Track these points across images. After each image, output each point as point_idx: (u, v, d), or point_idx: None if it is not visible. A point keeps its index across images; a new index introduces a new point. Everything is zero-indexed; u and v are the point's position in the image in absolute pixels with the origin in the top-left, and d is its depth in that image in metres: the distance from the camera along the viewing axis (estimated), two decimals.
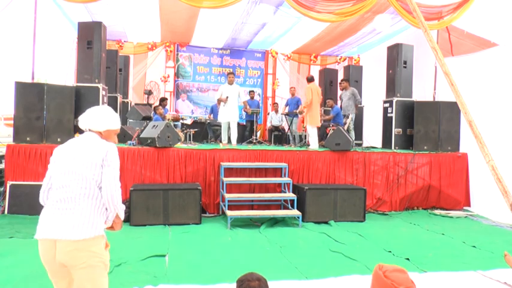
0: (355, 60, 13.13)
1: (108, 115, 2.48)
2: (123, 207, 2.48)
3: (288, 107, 10.96)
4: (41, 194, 2.50)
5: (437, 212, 7.65)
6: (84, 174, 2.29)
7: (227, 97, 8.47)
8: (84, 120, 2.46)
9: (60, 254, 2.22)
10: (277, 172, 7.32)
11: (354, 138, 9.18)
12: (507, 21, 7.59)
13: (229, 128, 8.76)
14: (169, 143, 6.99)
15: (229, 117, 8.61)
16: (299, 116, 8.28)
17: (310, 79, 8.47)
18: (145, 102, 11.13)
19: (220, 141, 9.28)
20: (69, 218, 2.23)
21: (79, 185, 2.28)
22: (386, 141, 8.95)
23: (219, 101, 8.64)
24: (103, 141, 2.41)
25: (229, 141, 8.79)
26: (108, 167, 2.33)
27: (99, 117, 2.45)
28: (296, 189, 6.95)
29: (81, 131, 2.54)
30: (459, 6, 7.82)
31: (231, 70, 9.08)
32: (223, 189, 6.73)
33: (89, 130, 2.46)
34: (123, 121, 9.86)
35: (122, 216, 2.50)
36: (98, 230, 2.28)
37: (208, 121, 10.65)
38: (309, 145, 8.34)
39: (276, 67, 13.18)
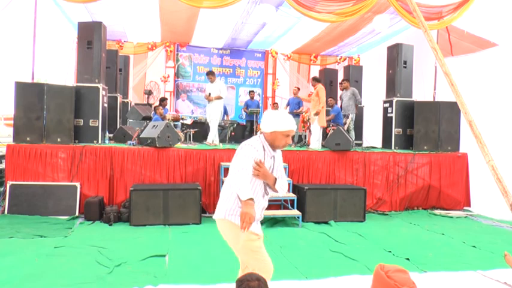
0: (355, 60, 13.13)
1: (274, 117, 2.58)
2: (243, 188, 2.39)
3: (289, 106, 10.95)
4: None
5: (437, 212, 7.65)
6: (230, 167, 2.63)
7: (209, 94, 8.33)
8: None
9: None
10: None
11: (354, 138, 9.18)
12: (507, 21, 7.59)
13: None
14: (169, 143, 6.99)
15: (210, 116, 8.39)
16: (316, 116, 8.19)
17: (319, 80, 8.52)
18: (145, 102, 11.13)
19: (220, 142, 9.26)
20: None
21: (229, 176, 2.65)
22: (386, 141, 8.95)
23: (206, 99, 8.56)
24: (249, 140, 2.61)
25: (201, 140, 8.58)
26: (235, 157, 2.59)
27: (266, 119, 2.61)
28: (296, 189, 6.95)
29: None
30: (459, 6, 7.82)
31: (210, 69, 8.96)
32: None
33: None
34: (123, 121, 9.87)
35: (241, 196, 2.38)
36: (224, 214, 2.62)
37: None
38: (309, 145, 8.33)
39: (276, 67, 13.19)
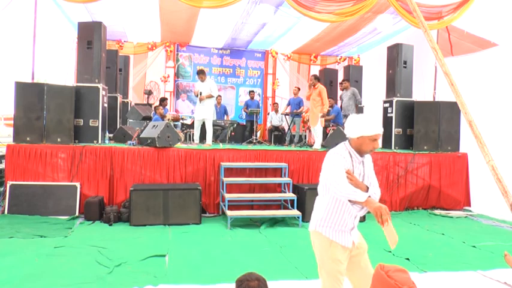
0: (355, 60, 13.13)
1: (360, 121, 2.48)
2: (353, 192, 2.37)
3: (289, 106, 10.95)
4: None
5: (437, 212, 7.65)
6: (320, 179, 2.65)
7: (200, 92, 8.08)
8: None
9: None
10: (277, 172, 7.32)
11: None
12: (507, 21, 7.59)
13: (203, 126, 8.25)
14: (169, 143, 6.99)
15: (204, 115, 8.16)
16: (321, 118, 8.19)
17: (319, 79, 8.50)
18: (145, 102, 11.14)
19: (220, 142, 9.25)
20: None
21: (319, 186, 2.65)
22: (386, 141, 8.94)
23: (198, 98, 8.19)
24: (335, 149, 2.57)
25: (201, 140, 8.37)
26: (323, 168, 2.61)
27: (351, 124, 2.52)
28: (296, 189, 6.95)
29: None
30: (459, 6, 7.82)
31: (201, 68, 8.77)
32: (223, 189, 6.73)
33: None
34: (123, 121, 9.88)
35: (359, 199, 2.35)
36: (316, 226, 2.57)
37: None
38: (312, 145, 8.33)
39: (276, 67, 13.18)
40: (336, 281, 2.50)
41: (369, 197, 2.36)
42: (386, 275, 1.89)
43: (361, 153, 2.54)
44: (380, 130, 2.48)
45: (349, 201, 2.45)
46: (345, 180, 2.41)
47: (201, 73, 8.29)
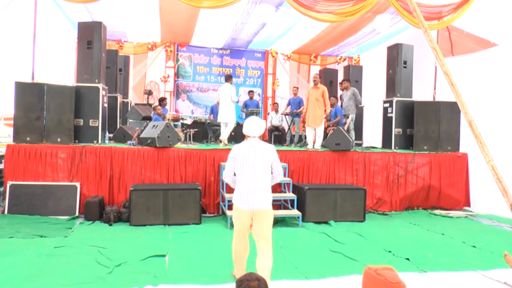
0: (355, 60, 13.13)
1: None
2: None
3: (289, 106, 10.94)
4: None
5: (437, 212, 7.65)
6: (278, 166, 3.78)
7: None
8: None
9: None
10: None
11: (354, 138, 9.18)
12: (507, 21, 7.60)
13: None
14: (169, 143, 6.99)
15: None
16: (324, 118, 8.24)
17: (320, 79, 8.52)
18: (145, 102, 11.13)
19: (220, 141, 9.23)
20: (264, 195, 3.58)
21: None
22: (386, 141, 8.95)
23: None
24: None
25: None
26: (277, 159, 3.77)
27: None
28: (296, 189, 6.95)
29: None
30: (459, 6, 7.83)
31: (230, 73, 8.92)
32: (223, 189, 6.73)
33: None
34: (123, 121, 9.88)
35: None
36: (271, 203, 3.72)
37: (208, 121, 10.64)
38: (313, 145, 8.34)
39: (276, 67, 13.18)
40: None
41: None
42: (376, 273, 2.00)
43: None
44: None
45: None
46: None
47: (228, 76, 8.49)
